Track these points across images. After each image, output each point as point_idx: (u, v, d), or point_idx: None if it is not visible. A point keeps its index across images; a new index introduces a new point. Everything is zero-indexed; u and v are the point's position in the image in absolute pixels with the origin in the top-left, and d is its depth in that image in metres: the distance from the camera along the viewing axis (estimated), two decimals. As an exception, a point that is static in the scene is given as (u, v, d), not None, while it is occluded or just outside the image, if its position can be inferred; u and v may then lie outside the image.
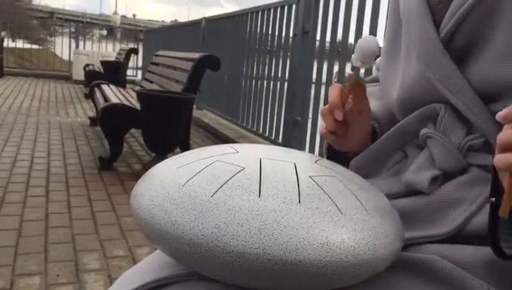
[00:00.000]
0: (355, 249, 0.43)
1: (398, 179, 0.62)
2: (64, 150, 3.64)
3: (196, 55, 3.50)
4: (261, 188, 0.46)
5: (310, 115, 3.29)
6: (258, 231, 0.42)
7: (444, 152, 0.57)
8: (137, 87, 4.58)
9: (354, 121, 0.66)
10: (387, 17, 0.77)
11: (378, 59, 0.89)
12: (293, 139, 3.43)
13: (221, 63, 3.47)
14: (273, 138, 3.82)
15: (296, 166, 0.51)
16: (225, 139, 4.31)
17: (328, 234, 0.43)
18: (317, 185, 0.48)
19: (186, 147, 3.38)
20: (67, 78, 9.80)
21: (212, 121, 5.05)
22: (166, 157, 0.60)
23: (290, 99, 3.52)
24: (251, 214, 0.43)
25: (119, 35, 12.87)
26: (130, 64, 8.46)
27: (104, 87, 4.27)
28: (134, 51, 8.20)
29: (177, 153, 0.62)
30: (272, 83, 3.95)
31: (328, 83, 3.05)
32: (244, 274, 0.43)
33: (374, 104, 0.74)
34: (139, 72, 10.34)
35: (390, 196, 0.59)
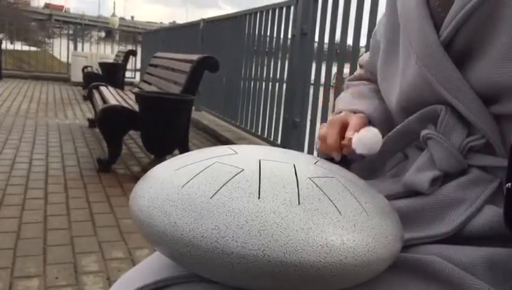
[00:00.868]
0: (355, 250, 0.43)
1: (398, 180, 0.62)
2: (62, 152, 3.63)
3: (195, 56, 3.50)
4: (261, 190, 0.46)
5: (309, 116, 3.29)
6: (257, 232, 0.42)
7: (444, 153, 0.57)
8: (136, 89, 4.58)
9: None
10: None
11: (365, 55, 0.89)
12: (291, 140, 3.43)
13: (220, 64, 3.47)
14: (271, 139, 3.82)
15: (296, 167, 0.51)
16: (224, 141, 4.30)
17: (327, 235, 0.43)
18: (317, 186, 0.48)
19: (185, 148, 3.38)
20: (66, 80, 9.79)
21: (210, 123, 5.05)
22: (165, 159, 0.60)
23: (289, 101, 3.52)
24: (250, 215, 0.43)
25: (117, 37, 12.88)
26: (129, 66, 8.47)
27: (103, 89, 4.27)
28: (133, 53, 8.21)
29: (176, 155, 0.62)
30: (270, 84, 3.96)
31: (327, 84, 3.05)
32: (244, 276, 0.43)
33: (366, 105, 0.74)
34: (138, 74, 10.34)
35: (390, 197, 0.59)
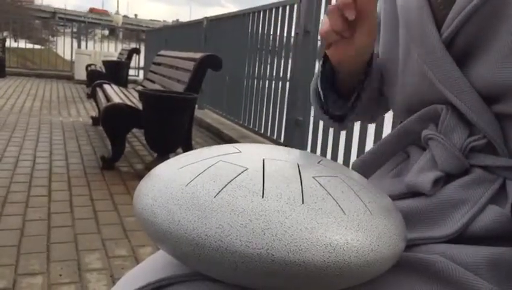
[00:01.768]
0: (359, 249, 0.43)
1: (401, 180, 0.62)
2: (66, 149, 3.64)
3: (198, 55, 3.50)
4: (264, 189, 0.46)
5: (312, 115, 3.29)
6: (261, 231, 0.42)
7: (445, 154, 0.57)
8: (139, 87, 4.59)
9: (360, 27, 0.60)
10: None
11: None
12: (294, 138, 3.43)
13: (223, 62, 3.47)
14: (274, 137, 3.82)
15: (299, 166, 0.51)
16: (227, 139, 4.31)
17: (331, 235, 0.43)
18: (321, 185, 0.48)
19: (188, 146, 3.38)
20: (69, 78, 9.81)
21: (214, 121, 5.05)
22: (168, 157, 0.60)
23: (292, 99, 3.51)
24: (254, 214, 0.43)
25: (121, 35, 12.90)
26: (132, 64, 8.47)
27: (106, 87, 4.28)
28: (136, 51, 8.22)
29: (179, 153, 0.62)
30: (273, 82, 3.95)
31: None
32: (247, 275, 0.43)
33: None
34: (141, 72, 10.36)
35: (393, 197, 0.58)
